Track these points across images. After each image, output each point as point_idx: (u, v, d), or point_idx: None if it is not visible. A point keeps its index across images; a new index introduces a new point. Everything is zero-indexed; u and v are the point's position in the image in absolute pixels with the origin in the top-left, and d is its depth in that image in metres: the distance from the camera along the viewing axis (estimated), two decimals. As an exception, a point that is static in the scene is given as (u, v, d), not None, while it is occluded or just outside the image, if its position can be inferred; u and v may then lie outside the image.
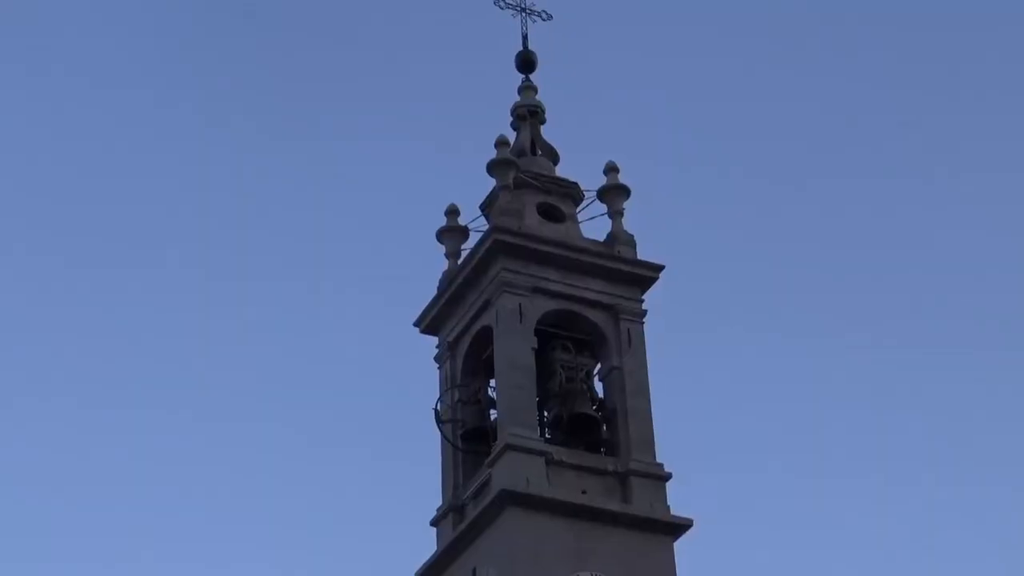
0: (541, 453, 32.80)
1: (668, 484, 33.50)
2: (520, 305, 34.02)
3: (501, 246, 34.22)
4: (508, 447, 32.60)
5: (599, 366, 34.96)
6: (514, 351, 33.69)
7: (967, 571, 69.59)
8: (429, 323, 36.28)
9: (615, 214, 36.05)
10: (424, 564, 34.28)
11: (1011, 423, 71.08)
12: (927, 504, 72.13)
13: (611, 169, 36.46)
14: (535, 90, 37.89)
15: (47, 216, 75.73)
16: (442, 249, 36.66)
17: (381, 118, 74.27)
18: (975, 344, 71.05)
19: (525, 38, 38.00)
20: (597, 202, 36.48)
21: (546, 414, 34.44)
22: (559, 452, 33.17)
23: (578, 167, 37.17)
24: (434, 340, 36.33)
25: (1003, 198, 73.34)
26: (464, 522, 33.54)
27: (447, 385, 35.49)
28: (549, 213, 35.81)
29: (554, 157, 37.24)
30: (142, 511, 74.07)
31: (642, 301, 35.24)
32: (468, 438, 34.80)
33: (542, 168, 36.78)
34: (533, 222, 35.25)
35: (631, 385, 34.27)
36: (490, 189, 36.00)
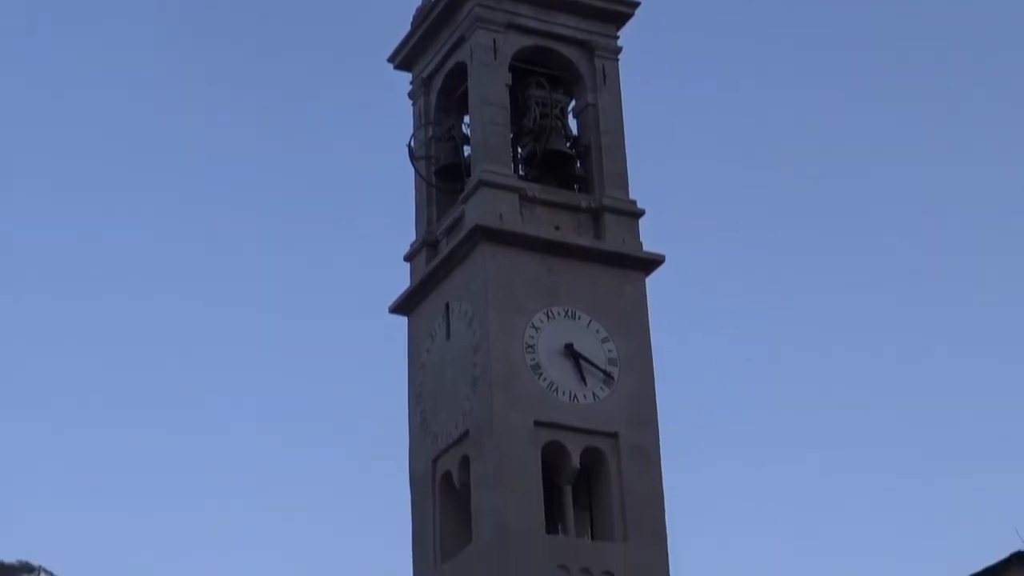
0: (515, 189, 32.95)
1: (641, 220, 33.75)
2: (494, 41, 33.83)
3: (476, -21, 33.86)
4: (482, 183, 32.72)
5: (573, 103, 34.91)
6: (488, 87, 33.60)
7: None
8: (403, 59, 36.09)
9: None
10: (397, 299, 34.64)
11: None
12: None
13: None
14: None
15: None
16: (416, -16, 36.26)
17: None
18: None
19: None
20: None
21: (520, 151, 34.49)
22: (533, 188, 33.33)
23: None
24: (408, 76, 36.20)
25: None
26: (438, 257, 33.82)
27: (421, 122, 35.47)
28: (523, -53, 35.31)
29: None
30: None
31: (617, 38, 35.07)
32: (442, 175, 34.90)
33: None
34: (507, -44, 34.78)
35: (605, 122, 34.30)
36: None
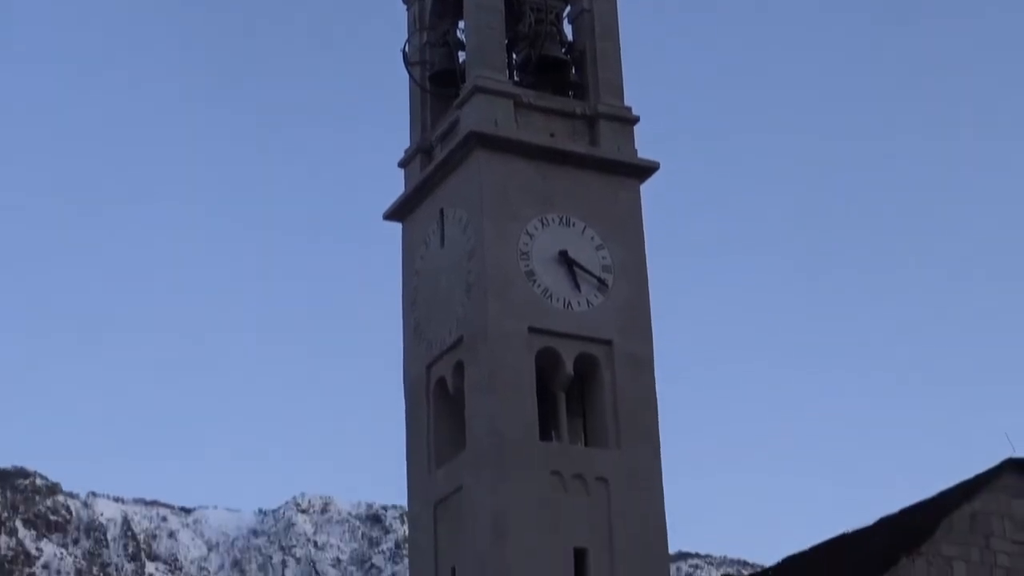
0: (510, 95, 32.83)
1: (636, 127, 33.67)
2: (489, -55, 33.56)
3: None
4: (476, 89, 32.59)
5: (569, 8, 34.69)
6: (483, -9, 33.40)
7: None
8: (397, -37, 35.86)
9: None
10: (392, 205, 34.61)
11: None
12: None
13: None
14: None
15: None
16: None
17: None
18: None
19: None
20: None
21: (515, 57, 34.32)
22: (528, 95, 33.20)
23: None
24: (402, -21, 35.97)
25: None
26: (432, 164, 33.76)
27: (415, 27, 35.28)
28: None
29: None
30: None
31: (612, -57, 34.76)
32: (436, 81, 34.76)
33: None
34: None
35: (601, 27, 34.10)
36: None
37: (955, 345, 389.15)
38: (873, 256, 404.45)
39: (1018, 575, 31.24)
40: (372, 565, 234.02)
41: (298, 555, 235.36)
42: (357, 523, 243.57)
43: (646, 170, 33.38)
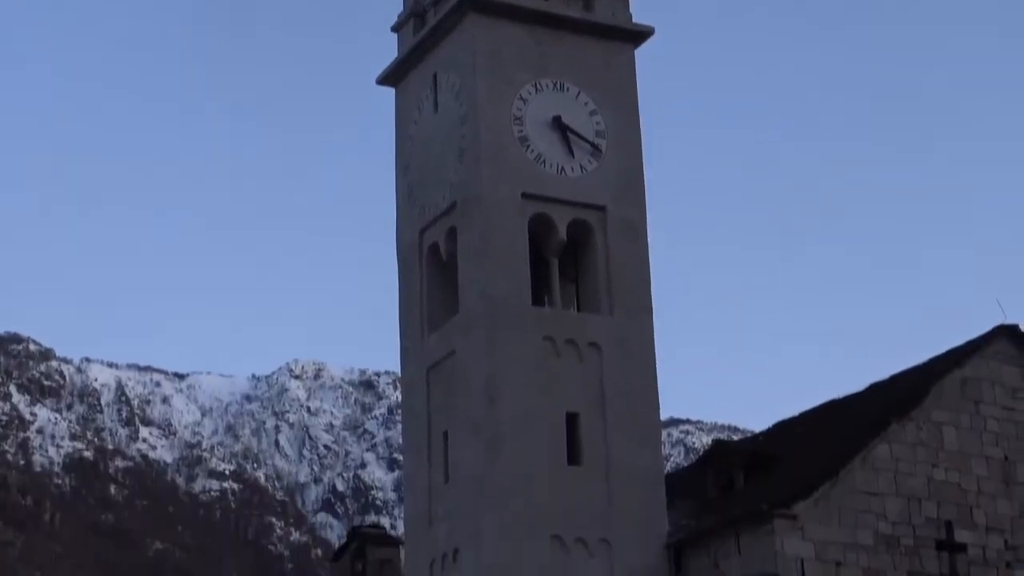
0: (504, -37, 32.43)
1: (630, -8, 33.37)
2: None
3: None
4: (470, -48, 32.19)
5: None
6: None
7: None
8: None
9: None
10: (385, 69, 34.42)
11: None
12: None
13: None
14: None
15: None
16: None
17: None
18: None
19: None
20: None
21: (509, -81, 33.82)
22: (522, -42, 32.79)
23: None
24: None
25: None
26: (425, 28, 33.49)
27: None
28: None
29: None
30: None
31: None
32: (430, -57, 34.33)
33: None
34: None
35: None
36: None
37: (948, 212, 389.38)
38: (872, 114, 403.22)
39: (1007, 440, 31.52)
40: (365, 430, 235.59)
41: (291, 420, 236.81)
42: (350, 389, 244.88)
43: (641, 35, 33.15)
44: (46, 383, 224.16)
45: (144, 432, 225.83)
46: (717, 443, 36.46)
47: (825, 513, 29.30)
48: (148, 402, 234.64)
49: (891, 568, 29.59)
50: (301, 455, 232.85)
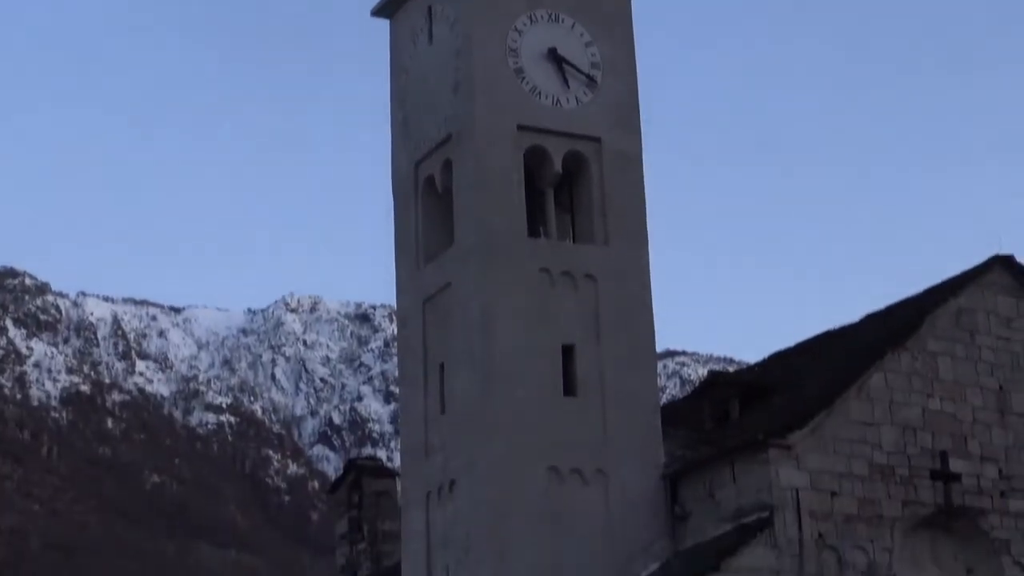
0: None
1: (625, -80, 33.15)
2: None
3: None
4: None
5: None
6: None
7: None
8: None
9: None
10: (380, 1, 34.25)
11: None
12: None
13: None
14: None
15: None
16: None
17: None
18: None
19: None
20: None
21: None
22: None
23: None
24: None
25: None
26: (420, -42, 33.30)
27: None
28: None
29: None
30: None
31: None
32: None
33: None
34: None
35: None
36: None
37: (947, 139, 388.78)
38: (872, 35, 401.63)
39: (1002, 370, 31.62)
40: (361, 363, 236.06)
41: (287, 354, 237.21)
42: (346, 322, 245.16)
43: (636, -35, 32.99)
44: (42, 317, 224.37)
45: (141, 366, 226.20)
46: (713, 374, 36.59)
47: (820, 443, 29.43)
48: (144, 336, 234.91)
49: (886, 498, 29.75)
50: (297, 388, 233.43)
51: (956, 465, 30.56)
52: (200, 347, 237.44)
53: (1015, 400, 31.54)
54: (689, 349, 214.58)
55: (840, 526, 29.20)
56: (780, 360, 35.72)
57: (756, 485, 29.02)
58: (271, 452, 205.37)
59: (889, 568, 29.40)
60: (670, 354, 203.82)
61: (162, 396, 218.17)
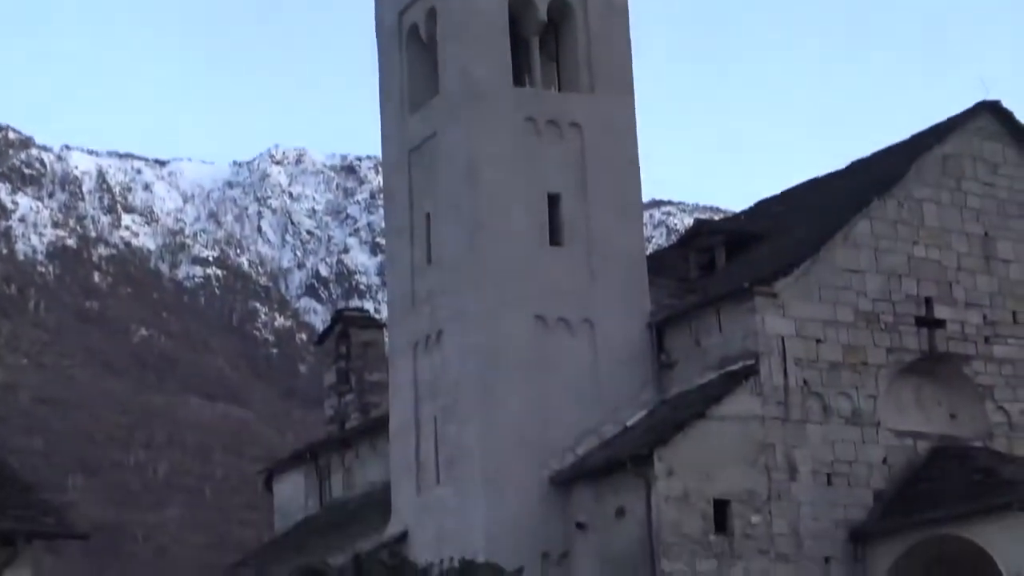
0: None
1: None
2: None
3: None
4: None
5: None
6: None
7: None
8: None
9: None
10: None
11: None
12: None
13: None
14: None
15: None
16: None
17: None
18: None
19: None
20: None
21: None
22: None
23: None
24: None
25: None
26: None
27: None
28: None
29: None
30: None
31: None
32: None
33: None
34: None
35: None
36: None
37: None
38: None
39: (987, 216, 31.64)
40: (347, 215, 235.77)
41: (273, 206, 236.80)
42: (332, 174, 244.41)
43: None
44: (27, 171, 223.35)
45: (126, 219, 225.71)
46: (699, 223, 36.58)
47: (806, 290, 29.52)
48: (129, 189, 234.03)
49: (871, 344, 29.91)
50: (284, 241, 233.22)
51: (941, 311, 30.69)
52: (186, 200, 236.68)
53: (1000, 246, 31.60)
54: (675, 199, 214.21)
55: (825, 373, 29.39)
56: (766, 208, 35.72)
57: (742, 333, 29.15)
58: (258, 305, 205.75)
59: (873, 414, 29.64)
60: (656, 204, 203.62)
61: (148, 250, 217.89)
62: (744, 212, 37.29)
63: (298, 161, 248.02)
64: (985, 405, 30.85)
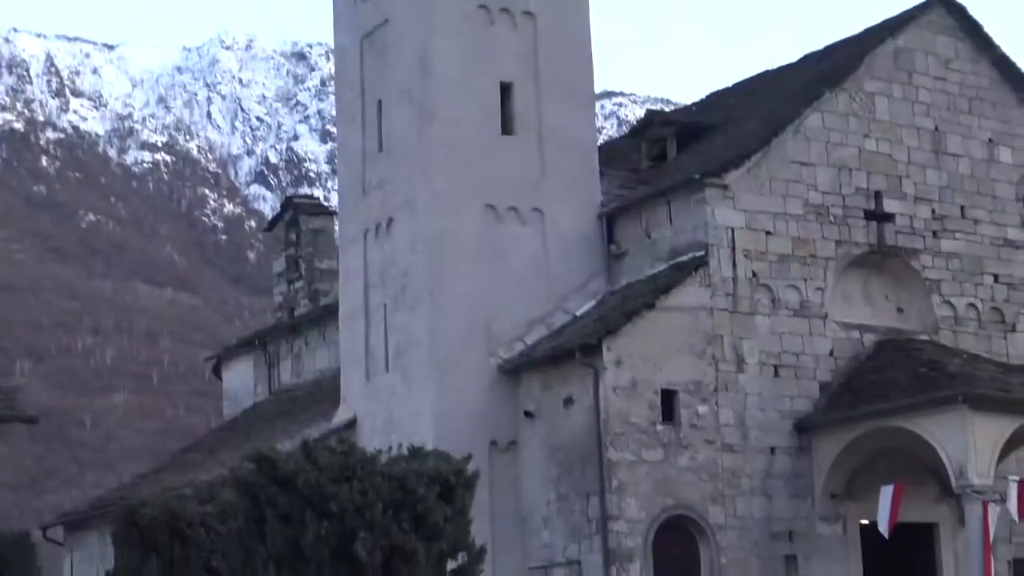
0: None
1: None
2: None
3: None
4: None
5: None
6: None
7: None
8: None
9: None
10: None
11: None
12: None
13: None
14: None
15: None
16: None
17: None
18: None
19: None
20: None
21: None
22: None
23: None
24: None
25: None
26: None
27: None
28: None
29: None
30: None
31: None
32: None
33: None
34: None
35: None
36: None
37: None
38: None
39: (938, 111, 31.71)
40: (297, 102, 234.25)
41: (223, 92, 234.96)
42: (282, 60, 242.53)
43: None
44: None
45: (75, 104, 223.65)
46: (650, 114, 36.46)
47: (756, 183, 29.57)
48: (78, 73, 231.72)
49: (820, 237, 30.05)
50: (233, 127, 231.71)
51: (890, 205, 30.83)
52: (134, 85, 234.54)
53: (950, 141, 31.71)
54: (627, 90, 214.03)
55: (774, 265, 29.52)
56: (717, 100, 35.69)
57: (692, 224, 29.21)
58: (207, 191, 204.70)
59: (821, 307, 29.83)
60: (608, 95, 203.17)
61: (96, 134, 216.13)
62: (696, 104, 37.23)
63: (248, 47, 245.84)
64: (932, 299, 31.09)
